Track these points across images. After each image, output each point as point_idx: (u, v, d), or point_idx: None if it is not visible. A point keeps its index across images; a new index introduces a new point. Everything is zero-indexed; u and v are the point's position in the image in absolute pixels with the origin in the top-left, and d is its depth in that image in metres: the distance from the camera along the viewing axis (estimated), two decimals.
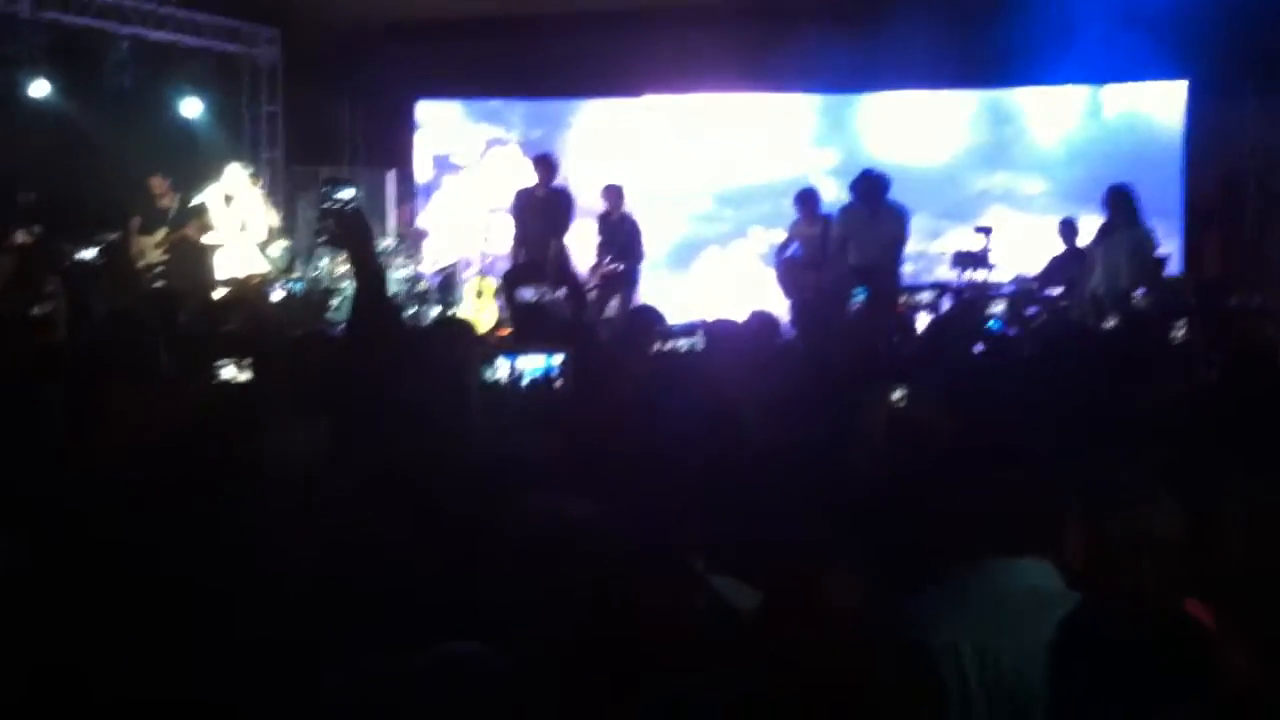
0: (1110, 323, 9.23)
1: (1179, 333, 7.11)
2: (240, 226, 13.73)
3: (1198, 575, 3.12)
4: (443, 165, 17.48)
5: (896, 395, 4.47)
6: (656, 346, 4.93)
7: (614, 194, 13.72)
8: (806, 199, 13.11)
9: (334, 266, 14.77)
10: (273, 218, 14.40)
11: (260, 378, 4.48)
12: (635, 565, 2.43)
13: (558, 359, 4.28)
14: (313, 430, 4.40)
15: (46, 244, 9.01)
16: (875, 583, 3.25)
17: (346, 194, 4.54)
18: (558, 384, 4.17)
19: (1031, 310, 11.04)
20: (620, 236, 13.59)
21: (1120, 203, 11.55)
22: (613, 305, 13.29)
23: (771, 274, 13.64)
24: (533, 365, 4.24)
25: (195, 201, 13.65)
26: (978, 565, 2.92)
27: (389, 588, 2.63)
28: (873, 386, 4.60)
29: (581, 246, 13.49)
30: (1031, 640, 2.75)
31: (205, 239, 13.53)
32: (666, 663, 2.36)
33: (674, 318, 7.06)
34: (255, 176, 14.51)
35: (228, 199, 13.74)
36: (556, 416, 4.12)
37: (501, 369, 4.18)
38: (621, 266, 13.51)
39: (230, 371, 4.48)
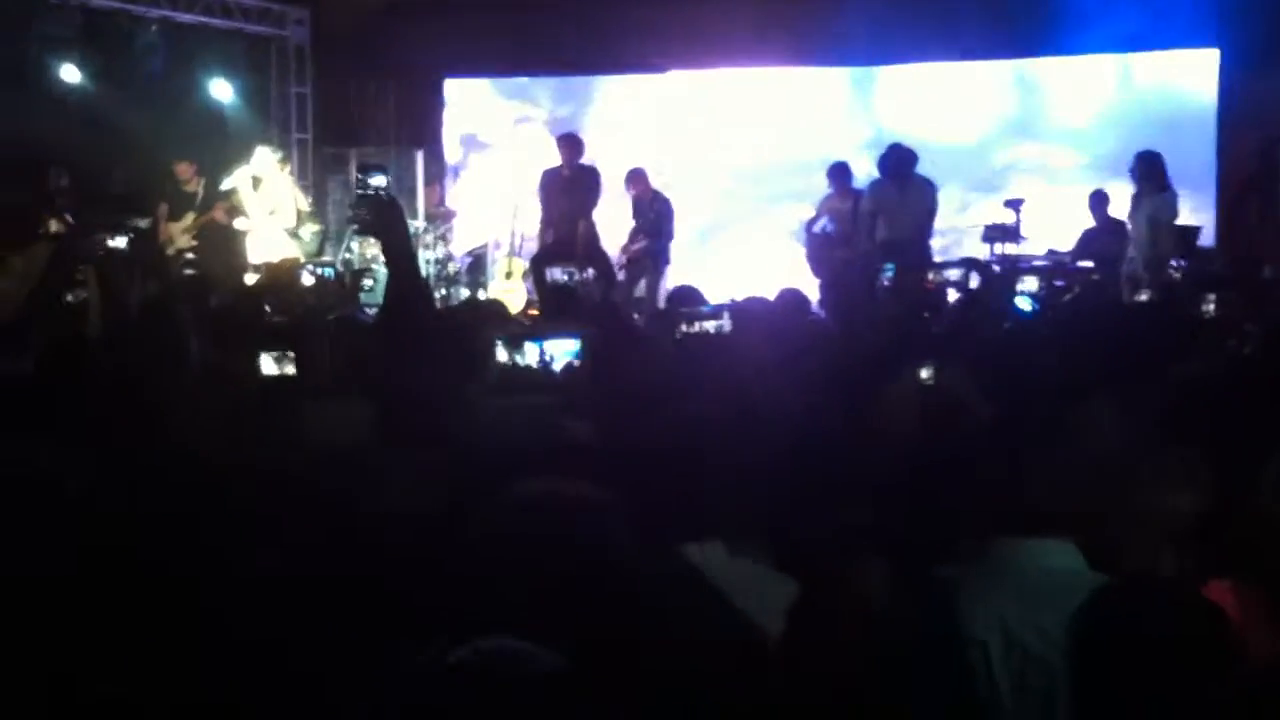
0: (1142, 295, 9.19)
1: (1210, 305, 7.05)
2: (270, 210, 13.77)
3: (1227, 554, 3.12)
4: (470, 144, 17.48)
5: (926, 374, 4.46)
6: (683, 329, 4.94)
7: (639, 178, 13.69)
8: (839, 173, 13.07)
9: (365, 249, 14.83)
10: (302, 201, 14.44)
11: (301, 368, 4.47)
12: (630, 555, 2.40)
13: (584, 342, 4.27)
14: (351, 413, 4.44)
15: (79, 232, 9.02)
16: (904, 563, 3.25)
17: (380, 180, 4.54)
18: (578, 366, 4.16)
19: (1061, 284, 11.02)
20: (651, 216, 13.57)
21: (1146, 169, 11.50)
22: (642, 285, 13.27)
23: (800, 251, 13.63)
24: (563, 349, 4.24)
25: (225, 186, 13.68)
26: (1000, 546, 2.90)
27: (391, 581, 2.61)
28: (902, 365, 4.59)
29: (609, 225, 13.46)
30: (1056, 624, 2.75)
31: (235, 223, 13.57)
32: (670, 663, 2.32)
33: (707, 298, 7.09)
34: (284, 160, 14.55)
35: (256, 182, 13.77)
36: (582, 401, 4.12)
37: (530, 353, 4.18)
38: (645, 244, 13.51)
39: (269, 364, 4.46)
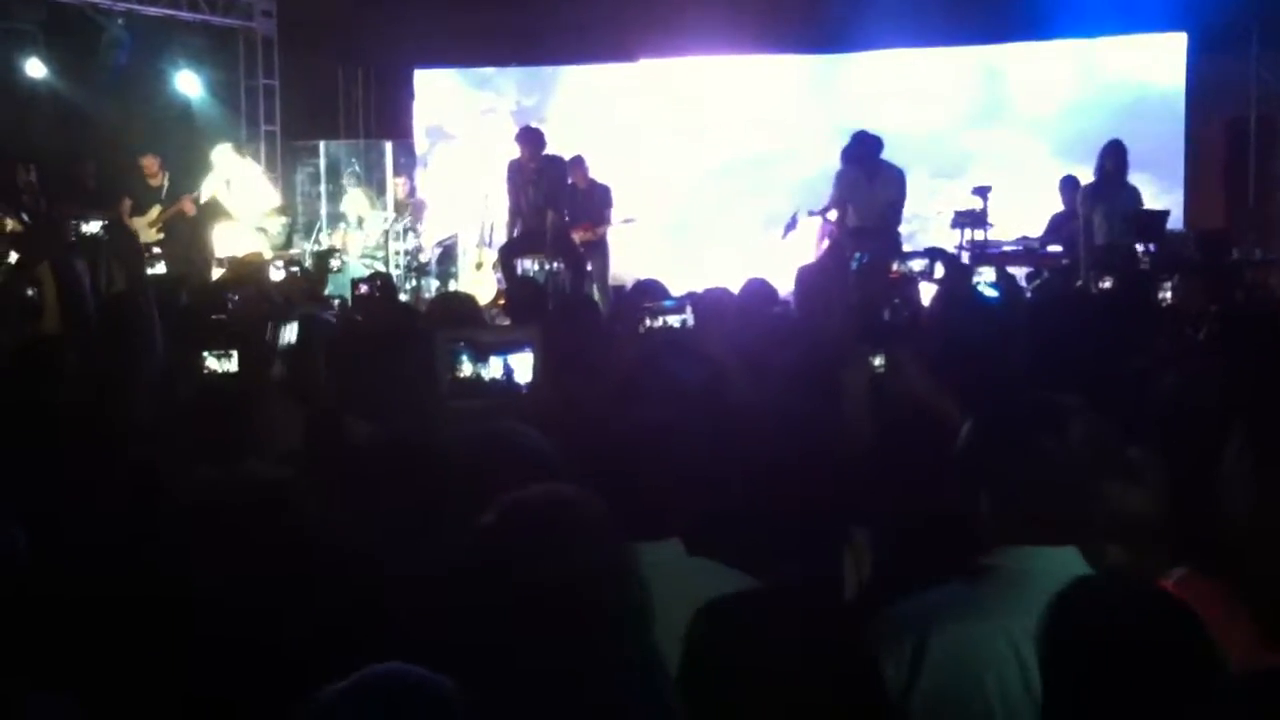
0: (1109, 281, 9.20)
1: (1167, 292, 7.08)
2: (247, 205, 13.81)
3: (1193, 546, 3.12)
4: (437, 135, 17.42)
5: (878, 361, 4.44)
6: (646, 324, 4.93)
7: (579, 165, 13.67)
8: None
9: (335, 240, 14.83)
10: (273, 194, 14.44)
11: (244, 367, 4.47)
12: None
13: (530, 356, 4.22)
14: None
15: (47, 224, 8.97)
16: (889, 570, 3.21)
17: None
18: (527, 379, 4.13)
19: (1030, 270, 11.06)
20: (591, 207, 13.56)
21: (1118, 158, 11.55)
22: (593, 273, 13.28)
23: (767, 241, 13.63)
24: (524, 362, 4.21)
25: (204, 199, 13.65)
26: (1003, 556, 2.74)
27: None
28: (856, 352, 4.57)
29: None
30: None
31: (223, 225, 13.56)
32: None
33: (672, 289, 7.07)
34: (241, 149, 14.54)
35: (228, 184, 13.78)
36: (538, 404, 4.10)
37: (494, 367, 4.15)
38: (603, 230, 13.53)
39: (211, 362, 4.47)
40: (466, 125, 17.18)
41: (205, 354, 4.50)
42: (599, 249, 13.56)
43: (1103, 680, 2.34)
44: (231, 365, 4.50)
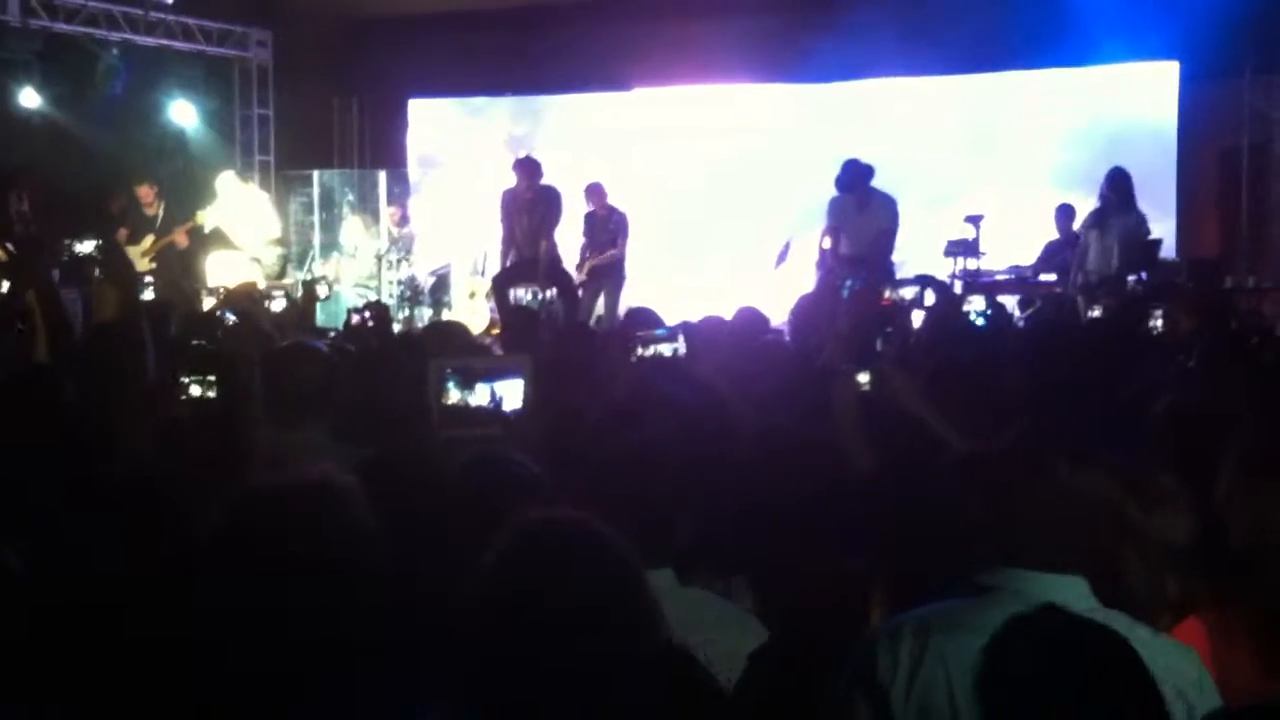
0: (1101, 309, 9.23)
1: (1157, 321, 7.10)
2: (250, 233, 13.87)
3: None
4: (429, 164, 17.42)
5: (864, 378, 4.43)
6: (639, 352, 4.92)
7: (598, 192, 13.68)
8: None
9: (327, 270, 14.84)
10: (275, 224, 14.51)
11: (224, 393, 4.45)
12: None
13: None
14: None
15: (26, 255, 8.96)
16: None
17: None
18: (515, 406, 4.12)
19: (1022, 298, 11.08)
20: (606, 234, 13.56)
21: (1120, 186, 11.56)
22: (600, 303, 13.25)
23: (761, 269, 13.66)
24: (513, 390, 4.20)
25: (208, 228, 13.69)
26: (1004, 578, 2.70)
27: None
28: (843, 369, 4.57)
29: (562, 244, 13.41)
30: None
31: (219, 255, 13.59)
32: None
33: (665, 316, 7.08)
34: (243, 175, 14.60)
35: (234, 211, 13.86)
36: (529, 433, 4.10)
37: (481, 394, 4.14)
38: (612, 254, 13.52)
39: (194, 389, 4.44)
40: (458, 154, 17.17)
41: (186, 379, 4.46)
42: (611, 276, 13.51)
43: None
44: (213, 392, 4.47)
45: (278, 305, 9.58)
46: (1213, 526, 3.07)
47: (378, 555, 2.56)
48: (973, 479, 2.92)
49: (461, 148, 17.15)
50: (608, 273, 13.39)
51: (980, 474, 2.89)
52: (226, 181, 14.10)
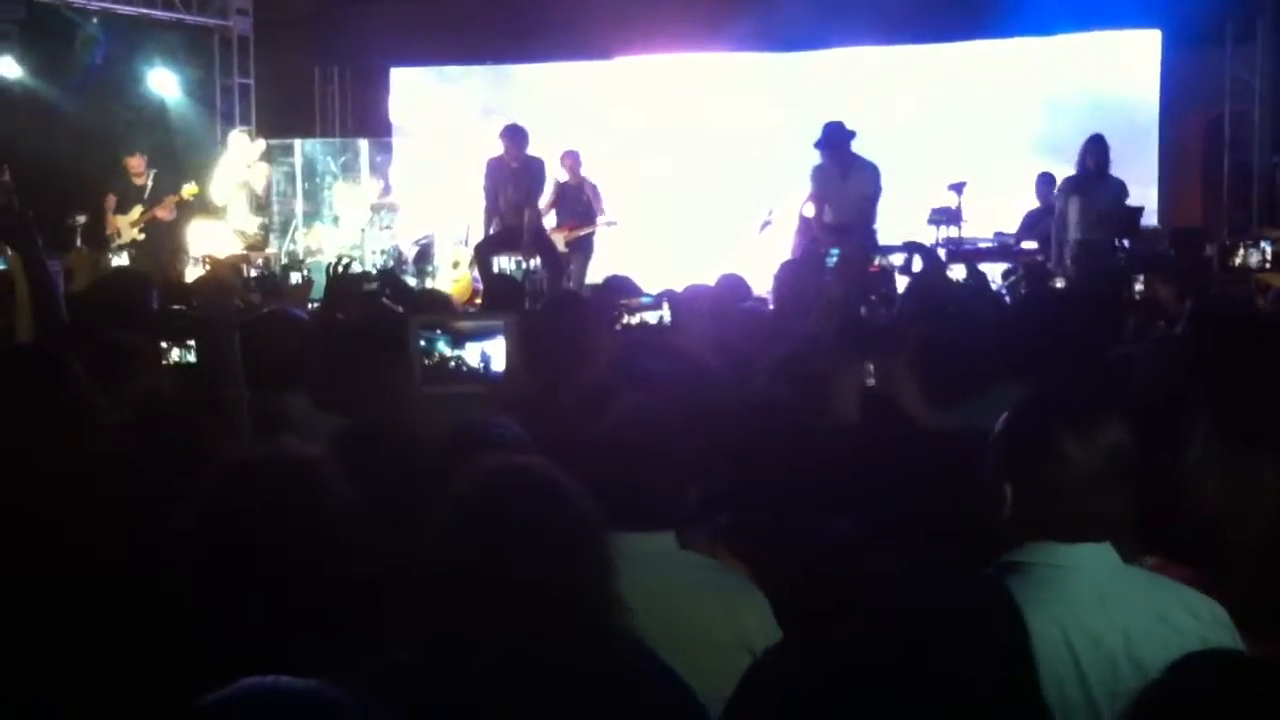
0: (1076, 277, 9.26)
1: (1139, 287, 7.14)
2: (248, 198, 13.84)
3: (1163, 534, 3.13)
4: (410, 134, 17.36)
5: (870, 371, 4.45)
6: (625, 320, 4.94)
7: (573, 160, 13.69)
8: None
9: (309, 240, 14.83)
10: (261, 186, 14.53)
11: (203, 359, 4.46)
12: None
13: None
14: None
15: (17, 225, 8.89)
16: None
17: None
18: (498, 364, 4.13)
19: (1007, 267, 11.10)
20: (580, 204, 13.58)
21: (1099, 153, 11.58)
22: (572, 272, 13.27)
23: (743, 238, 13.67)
24: (497, 349, 4.22)
25: (217, 181, 13.66)
26: (1027, 551, 2.73)
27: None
28: (844, 355, 4.58)
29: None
30: (1113, 630, 2.66)
31: (202, 224, 13.55)
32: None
33: (645, 286, 7.09)
34: (252, 132, 14.65)
35: (240, 170, 13.85)
36: (518, 401, 4.12)
37: (471, 354, 4.16)
38: (592, 228, 13.55)
39: (173, 354, 4.46)
40: (437, 124, 17.11)
41: (165, 344, 4.48)
42: (583, 247, 13.55)
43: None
44: (191, 356, 4.48)
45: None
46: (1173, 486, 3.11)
47: (357, 530, 2.58)
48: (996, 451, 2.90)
49: (441, 117, 17.09)
50: (580, 244, 13.44)
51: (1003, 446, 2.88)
52: (237, 138, 14.10)
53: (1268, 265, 9.43)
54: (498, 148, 12.70)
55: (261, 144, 14.50)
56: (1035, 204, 13.21)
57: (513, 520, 2.32)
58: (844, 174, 11.46)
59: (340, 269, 7.75)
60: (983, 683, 2.11)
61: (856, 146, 11.57)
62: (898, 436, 4.19)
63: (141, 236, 13.37)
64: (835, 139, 11.45)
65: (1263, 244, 9.52)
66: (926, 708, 2.06)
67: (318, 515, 2.53)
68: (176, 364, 4.50)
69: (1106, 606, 2.69)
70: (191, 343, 4.50)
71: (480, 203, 12.92)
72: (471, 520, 2.36)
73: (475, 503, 2.38)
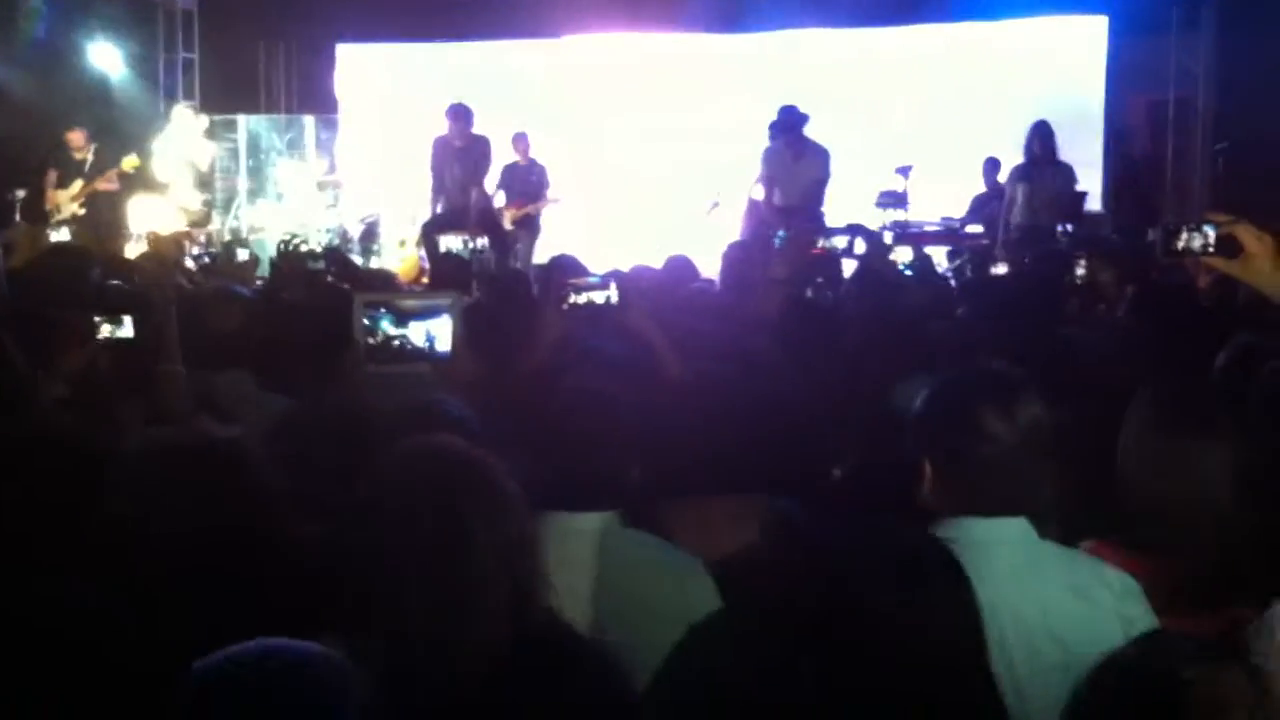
0: (1019, 261, 9.33)
1: (1080, 270, 7.20)
2: (191, 174, 13.73)
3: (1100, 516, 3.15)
4: (356, 111, 17.23)
5: None
6: (571, 300, 4.92)
7: (522, 141, 13.68)
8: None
9: (252, 218, 14.71)
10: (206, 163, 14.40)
11: (140, 335, 4.41)
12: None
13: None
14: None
15: None
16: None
17: None
18: (443, 344, 4.10)
19: (951, 250, 11.17)
20: (528, 185, 13.56)
21: (1045, 139, 11.65)
22: (519, 251, 13.26)
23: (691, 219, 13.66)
24: (445, 331, 4.19)
25: (156, 153, 13.52)
26: (949, 526, 2.76)
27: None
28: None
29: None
30: (1035, 605, 2.69)
31: (144, 199, 13.42)
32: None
33: (595, 269, 7.06)
34: (196, 107, 14.52)
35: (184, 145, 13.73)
36: (463, 381, 4.10)
37: (416, 333, 4.13)
38: (540, 206, 13.55)
39: (106, 329, 4.40)
40: (385, 102, 16.99)
41: (100, 319, 4.42)
42: (530, 227, 13.54)
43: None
44: (126, 331, 4.43)
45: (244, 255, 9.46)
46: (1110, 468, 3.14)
47: (281, 514, 2.57)
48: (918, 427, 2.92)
49: (388, 95, 16.98)
50: (527, 223, 13.43)
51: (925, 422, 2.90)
52: (181, 113, 13.97)
53: (1210, 249, 9.48)
54: (444, 126, 12.64)
55: (205, 120, 14.38)
56: (983, 189, 13.30)
57: (427, 497, 2.33)
58: (796, 157, 11.49)
59: (289, 249, 7.68)
60: (935, 634, 2.17)
61: (806, 130, 11.60)
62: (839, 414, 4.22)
63: (82, 211, 13.22)
64: (790, 122, 11.49)
65: (1205, 228, 9.54)
66: (873, 660, 2.10)
67: (241, 497, 2.52)
68: (112, 339, 4.43)
69: (1024, 580, 2.73)
70: (128, 318, 4.43)
71: (427, 181, 12.86)
72: (388, 498, 2.37)
73: (391, 481, 2.39)
